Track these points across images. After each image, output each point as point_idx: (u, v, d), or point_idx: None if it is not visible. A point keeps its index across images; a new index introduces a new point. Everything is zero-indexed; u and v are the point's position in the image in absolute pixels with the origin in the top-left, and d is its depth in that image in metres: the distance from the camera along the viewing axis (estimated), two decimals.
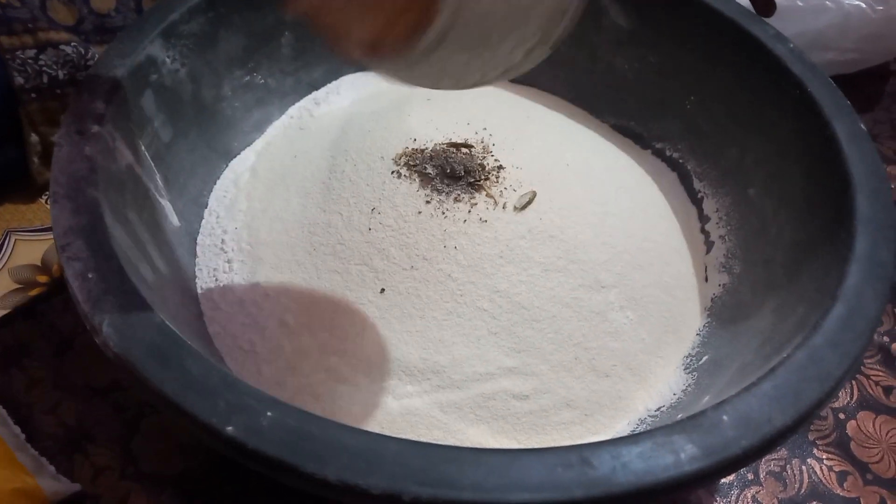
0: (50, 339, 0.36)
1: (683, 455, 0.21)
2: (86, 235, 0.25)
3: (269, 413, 0.21)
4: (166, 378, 0.21)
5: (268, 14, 0.39)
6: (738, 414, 0.22)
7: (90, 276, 0.24)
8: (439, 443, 0.22)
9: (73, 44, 0.39)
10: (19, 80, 0.39)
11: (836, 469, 0.34)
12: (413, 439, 0.21)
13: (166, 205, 0.33)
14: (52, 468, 0.30)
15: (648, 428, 0.30)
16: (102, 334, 0.22)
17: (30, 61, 0.38)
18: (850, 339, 0.24)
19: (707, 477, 0.21)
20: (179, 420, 0.21)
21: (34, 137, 0.41)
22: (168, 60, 0.34)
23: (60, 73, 0.39)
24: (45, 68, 0.39)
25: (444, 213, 0.33)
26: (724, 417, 0.22)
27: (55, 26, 0.39)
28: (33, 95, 0.40)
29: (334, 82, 0.44)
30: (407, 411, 0.30)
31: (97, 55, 0.40)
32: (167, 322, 0.23)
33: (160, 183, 0.33)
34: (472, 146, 0.36)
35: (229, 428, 0.20)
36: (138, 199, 0.31)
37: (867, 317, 0.25)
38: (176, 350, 0.22)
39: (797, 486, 0.34)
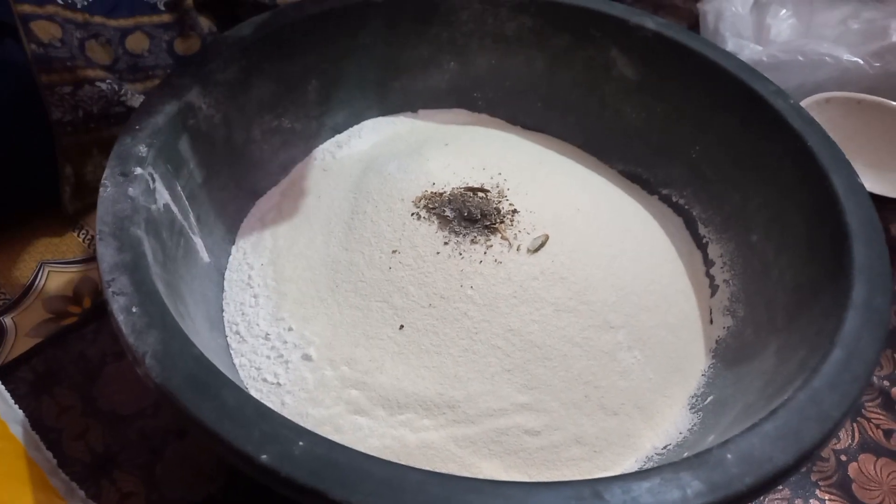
0: (79, 367, 0.38)
1: (690, 490, 0.22)
2: (130, 272, 0.27)
3: (300, 442, 0.22)
4: (204, 408, 0.23)
5: (296, 62, 0.41)
6: (742, 452, 0.23)
7: (134, 310, 0.25)
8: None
9: (107, 81, 0.41)
10: (56, 113, 0.41)
11: None
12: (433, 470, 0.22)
13: (198, 241, 0.35)
14: (81, 492, 0.32)
15: (655, 466, 0.31)
16: (145, 365, 0.24)
17: (66, 96, 0.40)
18: (849, 382, 0.26)
19: None
20: (216, 447, 0.23)
21: (68, 169, 0.43)
22: (204, 106, 0.36)
23: (95, 109, 0.41)
24: (80, 103, 0.41)
25: (461, 255, 0.34)
26: (729, 456, 0.23)
27: (91, 65, 0.41)
28: (69, 129, 0.42)
29: (356, 126, 0.46)
30: (423, 444, 0.31)
31: (130, 92, 0.42)
32: (205, 354, 0.25)
33: (193, 221, 0.35)
34: (489, 191, 0.38)
35: (264, 456, 0.22)
36: (174, 237, 0.32)
37: (865, 361, 0.26)
38: (213, 381, 0.24)
39: None
